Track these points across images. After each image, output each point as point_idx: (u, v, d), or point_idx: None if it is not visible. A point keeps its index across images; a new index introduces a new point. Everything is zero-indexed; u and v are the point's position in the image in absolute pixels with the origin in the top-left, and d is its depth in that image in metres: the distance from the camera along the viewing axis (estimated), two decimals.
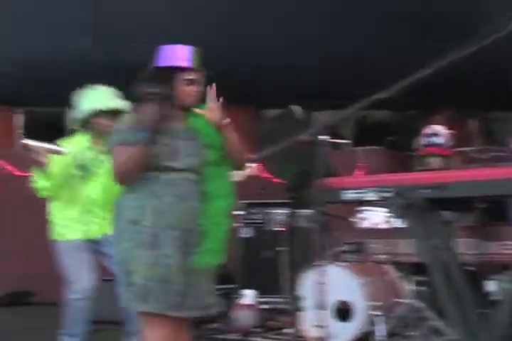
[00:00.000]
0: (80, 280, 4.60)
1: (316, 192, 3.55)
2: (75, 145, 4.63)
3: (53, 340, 4.78)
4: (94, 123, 4.59)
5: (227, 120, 3.38)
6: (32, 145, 4.38)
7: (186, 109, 3.45)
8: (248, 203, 6.53)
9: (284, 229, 6.38)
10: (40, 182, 4.52)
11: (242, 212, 6.37)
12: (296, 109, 5.05)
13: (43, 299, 7.33)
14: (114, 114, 4.38)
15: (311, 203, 4.00)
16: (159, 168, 3.27)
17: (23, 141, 4.44)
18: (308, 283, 4.70)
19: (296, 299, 4.79)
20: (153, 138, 3.27)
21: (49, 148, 4.43)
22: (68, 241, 4.62)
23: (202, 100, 3.42)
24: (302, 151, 3.81)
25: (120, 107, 4.45)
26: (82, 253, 4.62)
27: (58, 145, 4.57)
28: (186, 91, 3.36)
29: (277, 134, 4.27)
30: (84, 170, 4.60)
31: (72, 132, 4.74)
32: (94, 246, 4.59)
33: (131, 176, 3.37)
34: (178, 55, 3.36)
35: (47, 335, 5.17)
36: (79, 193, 4.58)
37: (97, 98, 4.58)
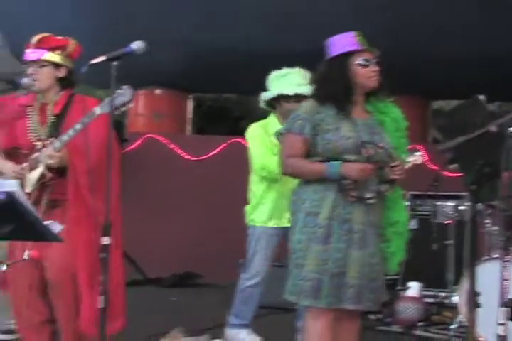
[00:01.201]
0: (257, 266, 4.79)
1: (502, 185, 3.49)
2: (270, 127, 4.78)
3: (222, 319, 5.04)
4: (281, 106, 4.75)
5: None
6: None
7: (369, 94, 3.51)
8: (415, 194, 6.54)
9: (451, 222, 6.33)
10: (267, 164, 4.65)
11: (408, 203, 6.35)
12: (483, 99, 4.94)
13: (210, 281, 7.61)
14: (301, 98, 4.45)
15: (495, 196, 3.91)
16: (340, 160, 3.32)
17: None
18: (483, 279, 4.58)
19: (469, 294, 4.71)
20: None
21: None
22: (263, 227, 4.78)
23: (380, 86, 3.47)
24: (488, 143, 3.73)
25: (305, 92, 4.50)
26: (272, 241, 4.78)
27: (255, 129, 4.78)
28: (363, 73, 3.41)
29: (461, 125, 4.17)
30: None
31: (265, 114, 4.93)
32: (283, 234, 4.65)
33: (298, 178, 3.51)
34: (345, 41, 3.42)
35: (215, 315, 5.44)
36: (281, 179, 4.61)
37: (285, 81, 4.69)
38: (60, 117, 3.64)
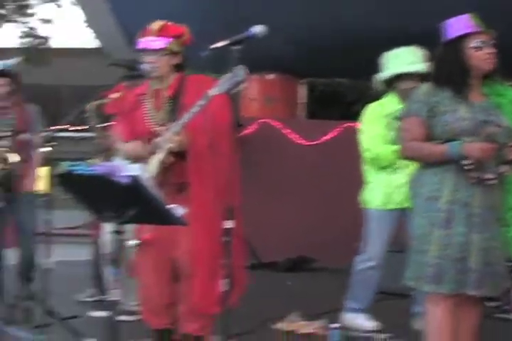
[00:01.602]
0: (374, 248, 4.75)
1: None
2: (387, 107, 4.72)
3: (338, 304, 5.03)
4: (398, 85, 4.68)
5: None
6: None
7: (485, 77, 3.43)
8: None
9: None
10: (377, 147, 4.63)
11: None
12: None
13: (325, 265, 7.61)
14: (419, 77, 4.42)
15: None
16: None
17: None
18: None
19: None
20: None
21: None
22: (379, 210, 4.75)
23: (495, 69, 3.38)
24: None
25: (421, 70, 4.45)
26: (389, 223, 4.73)
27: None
28: (478, 56, 3.34)
29: None
30: None
31: (378, 97, 4.88)
32: (400, 216, 4.64)
33: (418, 161, 3.45)
34: (461, 23, 3.36)
35: (331, 299, 5.43)
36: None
37: (401, 60, 4.63)
38: (174, 100, 3.69)
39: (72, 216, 12.78)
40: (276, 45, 8.03)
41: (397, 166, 4.60)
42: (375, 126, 4.68)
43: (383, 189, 4.73)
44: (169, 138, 3.49)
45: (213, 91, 3.32)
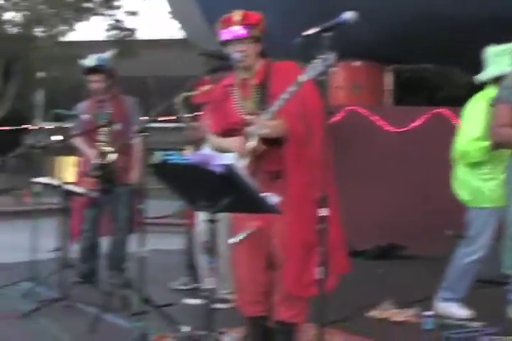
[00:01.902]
0: (481, 243, 4.66)
1: None
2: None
3: (430, 292, 4.97)
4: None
5: None
6: None
7: None
8: None
9: None
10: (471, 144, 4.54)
11: None
12: None
13: (415, 253, 7.53)
14: None
15: None
16: None
17: None
18: None
19: None
20: None
21: None
22: (489, 209, 4.63)
23: None
24: None
25: None
26: (496, 220, 4.60)
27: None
28: None
29: None
30: None
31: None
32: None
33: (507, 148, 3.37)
34: None
35: (423, 287, 5.37)
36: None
37: (505, 60, 4.48)
38: (262, 88, 3.70)
39: (164, 205, 13.09)
40: (362, 32, 7.95)
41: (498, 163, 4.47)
42: (472, 124, 4.56)
43: (491, 187, 4.61)
44: (262, 124, 3.48)
45: (303, 77, 3.31)
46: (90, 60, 5.74)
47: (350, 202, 7.67)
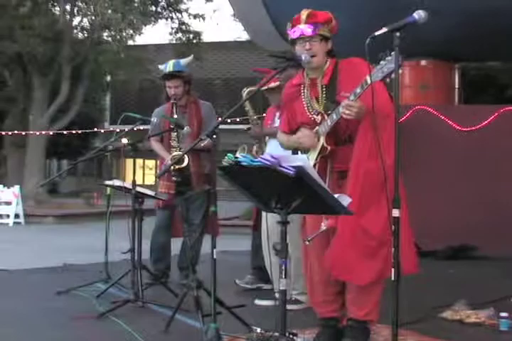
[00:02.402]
0: None
1: None
2: None
3: (504, 292, 4.87)
4: None
5: None
6: None
7: None
8: None
9: None
10: None
11: None
12: None
13: (487, 253, 7.40)
14: None
15: None
16: None
17: None
18: None
19: None
20: None
21: None
22: None
23: None
24: None
25: None
26: None
27: None
28: None
29: None
30: None
31: None
32: None
33: None
34: None
35: (495, 288, 5.28)
36: None
37: None
38: (331, 88, 3.70)
39: (232, 207, 13.17)
40: (430, 30, 7.85)
41: None
42: None
43: None
44: (347, 105, 3.42)
45: (370, 79, 3.28)
46: (169, 65, 5.79)
47: (420, 202, 7.60)
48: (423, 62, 9.43)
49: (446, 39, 8.45)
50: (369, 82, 3.28)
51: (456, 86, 10.14)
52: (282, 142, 3.98)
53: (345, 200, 2.97)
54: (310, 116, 3.73)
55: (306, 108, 3.76)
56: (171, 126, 5.59)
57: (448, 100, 9.77)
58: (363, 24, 7.92)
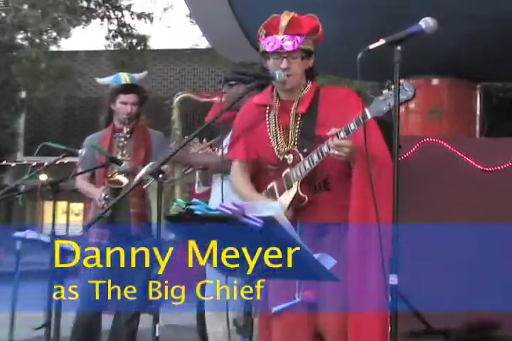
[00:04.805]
0: None
1: None
2: None
3: None
4: None
5: None
6: None
7: None
8: None
9: None
10: None
11: None
12: None
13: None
14: None
15: None
16: None
17: None
18: None
19: None
20: None
21: None
22: None
23: None
24: None
25: None
26: None
27: None
28: None
29: None
30: None
31: None
32: None
33: None
34: None
35: None
36: None
37: None
38: (308, 118, 3.72)
39: None
40: (441, 41, 7.99)
41: None
42: None
43: None
44: (337, 144, 3.45)
45: (367, 114, 3.32)
46: (123, 77, 5.79)
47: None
48: (434, 81, 9.52)
49: (463, 52, 8.59)
50: (369, 116, 3.32)
51: (478, 112, 10.22)
52: (235, 183, 3.92)
53: (329, 262, 2.99)
54: (278, 155, 3.72)
55: (271, 141, 3.76)
56: (106, 161, 5.56)
57: (467, 131, 9.86)
58: (355, 29, 8.09)
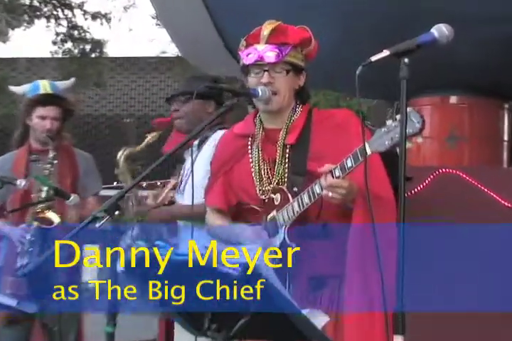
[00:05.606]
0: None
1: None
2: None
3: None
4: None
5: None
6: None
7: None
8: None
9: None
10: None
11: None
12: None
13: None
14: None
15: None
16: None
17: None
18: None
19: None
20: None
21: None
22: None
23: None
24: None
25: None
26: None
27: None
28: None
29: None
30: None
31: None
32: None
33: None
34: None
35: None
36: None
37: None
38: (299, 150, 3.76)
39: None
40: (460, 51, 8.08)
41: None
42: None
43: None
44: (332, 184, 3.47)
45: (367, 150, 3.35)
46: (43, 85, 5.76)
47: (442, 321, 7.68)
48: (452, 99, 9.54)
49: (489, 63, 8.66)
50: (368, 152, 3.34)
51: (505, 137, 10.26)
52: (213, 229, 3.95)
53: (321, 320, 3.02)
54: (261, 195, 3.74)
55: (254, 178, 3.78)
56: (40, 193, 5.47)
57: (492, 159, 9.89)
58: (351, 39, 8.18)
